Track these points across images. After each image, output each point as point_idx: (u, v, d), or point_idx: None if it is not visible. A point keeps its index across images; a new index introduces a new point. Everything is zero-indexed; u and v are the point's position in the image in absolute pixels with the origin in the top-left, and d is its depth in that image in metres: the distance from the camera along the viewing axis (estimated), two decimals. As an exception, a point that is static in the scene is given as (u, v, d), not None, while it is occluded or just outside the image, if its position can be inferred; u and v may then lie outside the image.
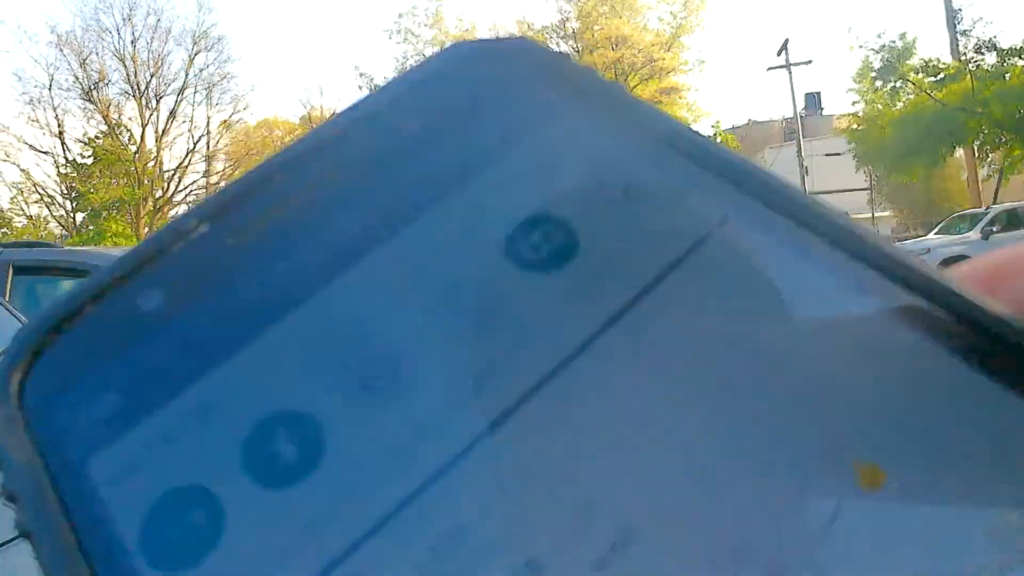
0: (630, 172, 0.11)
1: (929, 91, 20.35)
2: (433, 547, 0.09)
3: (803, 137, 26.98)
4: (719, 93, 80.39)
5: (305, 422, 0.10)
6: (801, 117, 28.37)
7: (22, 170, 28.61)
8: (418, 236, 0.10)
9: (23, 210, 29.44)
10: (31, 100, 28.18)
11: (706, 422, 0.10)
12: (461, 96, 0.11)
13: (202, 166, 32.15)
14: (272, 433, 0.10)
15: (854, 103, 27.87)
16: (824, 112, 40.78)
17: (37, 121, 28.27)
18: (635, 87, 36.07)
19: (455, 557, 0.09)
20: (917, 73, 22.06)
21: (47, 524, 0.09)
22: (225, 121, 31.88)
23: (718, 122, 39.15)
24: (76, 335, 0.10)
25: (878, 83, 24.42)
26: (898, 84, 24.28)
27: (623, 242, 0.10)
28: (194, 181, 31.95)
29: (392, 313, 0.10)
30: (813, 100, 40.95)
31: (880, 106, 24.19)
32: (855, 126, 25.59)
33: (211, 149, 32.11)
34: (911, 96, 22.69)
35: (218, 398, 0.10)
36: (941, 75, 20.65)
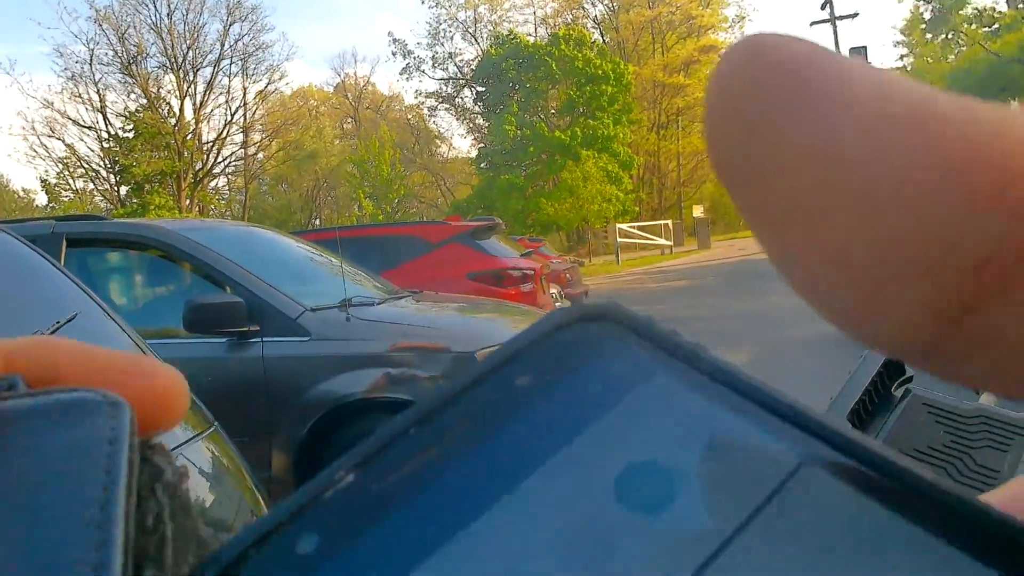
0: (716, 422, 0.13)
1: (983, 42, 19.48)
2: None
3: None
4: (759, 51, 78.32)
5: None
6: (846, 73, 27.28)
7: (67, 145, 29.29)
8: (539, 483, 0.12)
9: (69, 184, 30.20)
10: (73, 76, 28.73)
11: None
12: (565, 355, 0.14)
13: (240, 137, 32.59)
14: None
15: (902, 57, 26.87)
16: (870, 68, 39.37)
17: (80, 96, 28.80)
18: (673, 46, 35.33)
19: None
20: (970, 24, 21.12)
21: None
22: (261, 92, 32.12)
23: (758, 81, 38.09)
24: None
25: (928, 35, 23.46)
26: (950, 36, 23.30)
27: (715, 486, 0.12)
28: (232, 153, 32.47)
29: (518, 556, 0.11)
30: (859, 55, 39.61)
31: (930, 59, 23.26)
32: (903, 81, 24.58)
33: (248, 120, 32.48)
34: (963, 48, 21.76)
35: None
36: (996, 25, 19.74)
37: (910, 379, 0.45)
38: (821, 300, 0.12)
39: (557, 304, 7.89)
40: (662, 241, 25.71)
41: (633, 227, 25.25)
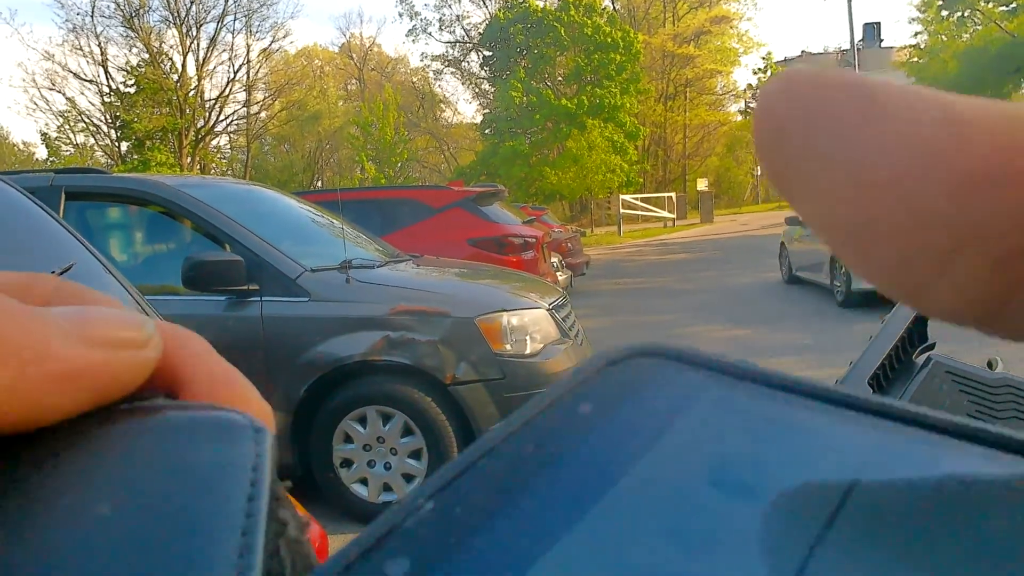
0: (779, 419, 0.13)
1: (999, 21, 19.15)
2: None
3: (860, 71, 25.74)
4: (772, 23, 77.19)
5: None
6: (858, 49, 27.10)
7: (68, 98, 28.96)
8: (619, 494, 0.12)
9: (70, 139, 29.95)
10: (74, 27, 28.35)
11: None
12: (623, 385, 0.14)
13: (242, 96, 32.23)
14: None
15: (916, 34, 26.44)
16: (883, 44, 38.88)
17: (81, 49, 28.43)
18: (684, 15, 34.76)
19: None
20: (987, 2, 20.79)
21: None
22: (265, 50, 31.70)
23: (770, 53, 37.71)
24: None
25: (944, 12, 23.07)
26: (966, 14, 22.96)
27: (796, 479, 0.12)
28: (235, 111, 32.15)
29: (608, 567, 0.11)
30: (872, 31, 39.01)
31: (944, 37, 22.91)
32: (916, 59, 24.35)
33: (251, 79, 32.09)
34: (979, 27, 21.46)
35: None
36: (1014, 4, 19.40)
37: (932, 346, 0.43)
38: (886, 285, 0.13)
39: (558, 273, 7.89)
40: (665, 214, 25.59)
41: (637, 199, 25.12)
